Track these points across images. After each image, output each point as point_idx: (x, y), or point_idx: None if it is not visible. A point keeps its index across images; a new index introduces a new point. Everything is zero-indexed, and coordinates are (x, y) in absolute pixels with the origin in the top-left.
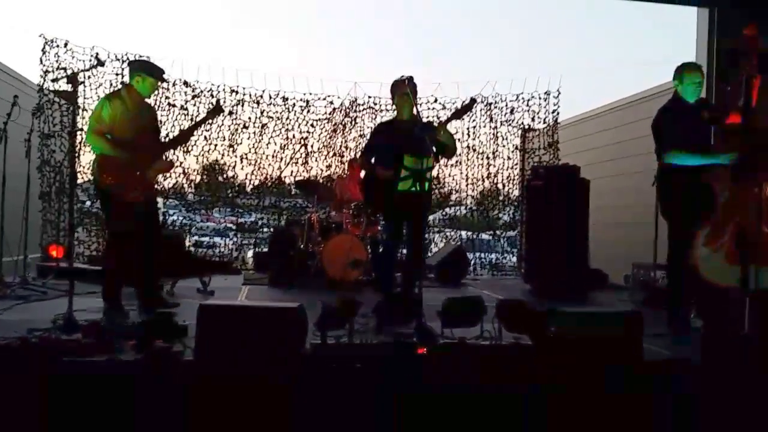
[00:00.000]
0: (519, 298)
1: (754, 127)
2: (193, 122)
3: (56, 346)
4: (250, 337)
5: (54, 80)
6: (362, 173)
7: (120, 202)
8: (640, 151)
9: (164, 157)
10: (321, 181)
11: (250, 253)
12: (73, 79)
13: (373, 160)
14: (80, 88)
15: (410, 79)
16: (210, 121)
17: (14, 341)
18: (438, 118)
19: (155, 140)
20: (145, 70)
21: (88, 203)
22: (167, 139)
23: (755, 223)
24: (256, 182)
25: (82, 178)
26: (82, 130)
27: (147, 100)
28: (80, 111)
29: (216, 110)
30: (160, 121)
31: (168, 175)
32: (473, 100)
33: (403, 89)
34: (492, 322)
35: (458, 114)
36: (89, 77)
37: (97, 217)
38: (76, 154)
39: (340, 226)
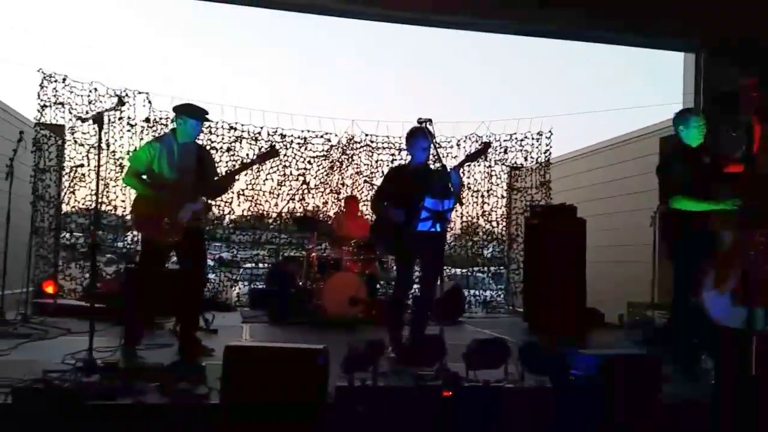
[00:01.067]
0: (534, 339)
1: (756, 175)
2: (243, 164)
3: (80, 389)
4: (277, 378)
5: (81, 119)
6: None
7: (150, 243)
8: (629, 190)
9: (201, 200)
10: (320, 217)
11: (235, 291)
12: (98, 118)
13: (385, 204)
14: (77, 123)
15: (429, 121)
16: (260, 166)
17: (33, 383)
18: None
19: (198, 183)
20: (186, 112)
21: (82, 239)
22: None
23: (761, 266)
24: (251, 218)
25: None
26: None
27: (196, 141)
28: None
29: (271, 153)
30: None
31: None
32: (488, 145)
33: (424, 144)
34: (515, 364)
35: (472, 157)
36: (87, 112)
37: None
38: (70, 189)
39: (338, 263)
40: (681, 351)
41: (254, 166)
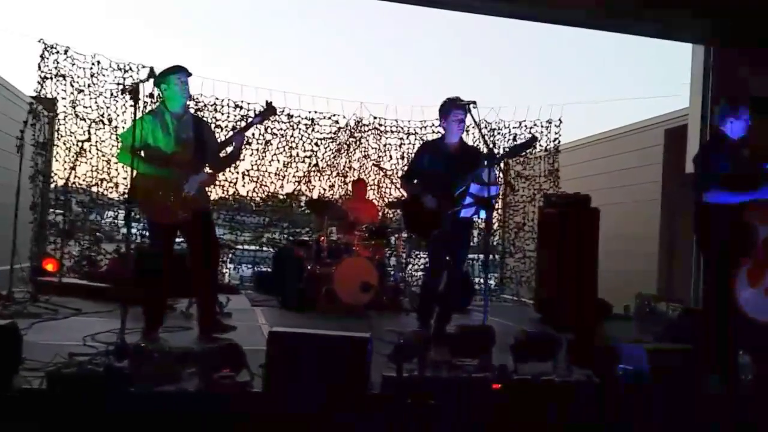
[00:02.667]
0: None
1: None
2: (243, 126)
3: (118, 374)
4: (323, 366)
5: (122, 91)
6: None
7: (155, 222)
8: (633, 181)
9: (204, 170)
10: (333, 200)
11: (227, 273)
12: (134, 90)
13: (415, 182)
14: (79, 96)
15: (473, 103)
16: (259, 125)
17: (63, 367)
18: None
19: (199, 154)
20: (164, 73)
21: (82, 214)
22: (216, 152)
23: None
24: (258, 199)
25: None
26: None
27: (190, 111)
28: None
29: (269, 111)
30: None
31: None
32: (534, 138)
33: (459, 115)
34: (562, 358)
35: (515, 151)
36: (89, 86)
37: (91, 229)
38: (72, 165)
39: (349, 248)
40: (717, 347)
41: (252, 127)
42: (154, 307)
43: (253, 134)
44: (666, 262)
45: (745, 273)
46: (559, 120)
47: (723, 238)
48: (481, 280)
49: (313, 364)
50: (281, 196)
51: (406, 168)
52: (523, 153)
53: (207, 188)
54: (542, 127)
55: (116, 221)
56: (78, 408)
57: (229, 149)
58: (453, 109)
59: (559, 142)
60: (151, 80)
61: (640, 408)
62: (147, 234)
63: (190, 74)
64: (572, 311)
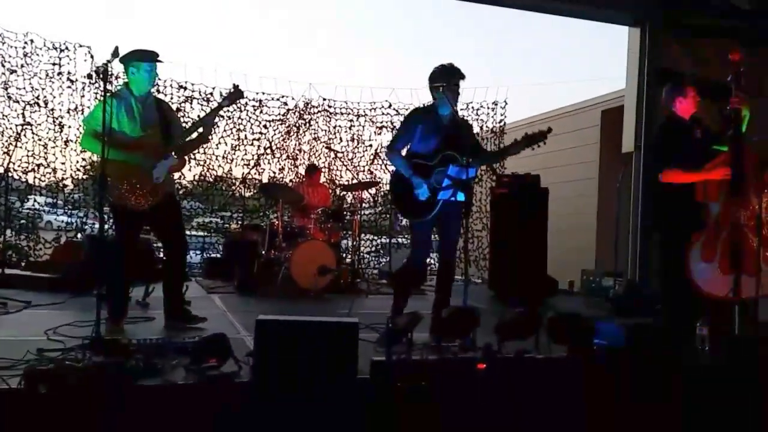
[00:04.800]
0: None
1: (743, 150)
2: (211, 110)
3: (100, 369)
4: (309, 353)
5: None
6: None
7: (122, 209)
8: (571, 161)
9: (172, 155)
10: (286, 184)
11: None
12: (103, 71)
13: (404, 152)
14: (11, 77)
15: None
16: (226, 108)
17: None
18: (393, 124)
19: (166, 138)
20: (135, 57)
21: (18, 204)
22: (182, 136)
23: (745, 235)
24: (206, 183)
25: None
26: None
27: (153, 93)
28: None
29: (236, 93)
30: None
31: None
32: (549, 129)
33: (454, 81)
34: (542, 335)
35: (527, 142)
36: (22, 66)
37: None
38: (6, 150)
39: (304, 232)
40: (675, 320)
41: (221, 110)
42: (119, 296)
43: (198, 115)
44: (604, 239)
45: (699, 248)
46: (505, 101)
47: (678, 216)
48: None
49: (301, 351)
50: (228, 180)
51: (393, 137)
52: (535, 146)
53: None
54: (488, 108)
55: (52, 209)
56: (68, 405)
57: (195, 134)
58: (451, 76)
59: (505, 123)
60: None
61: (617, 383)
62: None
63: (160, 61)
64: (522, 288)
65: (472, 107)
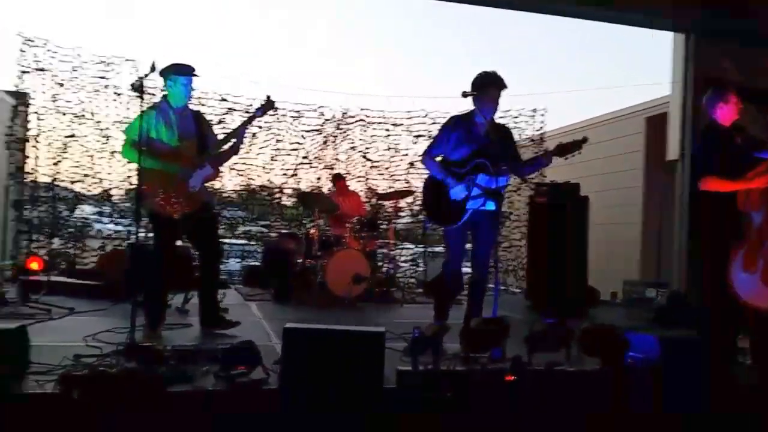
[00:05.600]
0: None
1: None
2: (243, 121)
3: (131, 375)
4: (336, 362)
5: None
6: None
7: (160, 217)
8: (616, 168)
9: (207, 165)
10: (323, 193)
11: None
12: (138, 86)
13: (439, 159)
14: (60, 90)
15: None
16: (260, 119)
17: (73, 369)
18: (429, 132)
19: (202, 149)
20: (173, 71)
21: (66, 212)
22: (216, 146)
23: None
24: (245, 193)
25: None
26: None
27: (190, 106)
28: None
29: (268, 104)
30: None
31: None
32: (585, 139)
33: (494, 92)
34: (573, 347)
35: (560, 151)
36: (70, 79)
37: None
38: (54, 161)
39: (338, 240)
40: (715, 332)
41: (254, 120)
42: (157, 304)
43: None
44: (648, 248)
45: (741, 258)
46: (544, 109)
47: (718, 225)
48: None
49: (328, 359)
50: (268, 190)
51: (429, 144)
52: (573, 154)
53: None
54: (527, 116)
55: (100, 218)
56: (95, 410)
57: (227, 145)
58: (489, 84)
59: (544, 131)
60: (152, 74)
61: (650, 396)
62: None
63: (197, 75)
64: (562, 299)
65: (511, 115)
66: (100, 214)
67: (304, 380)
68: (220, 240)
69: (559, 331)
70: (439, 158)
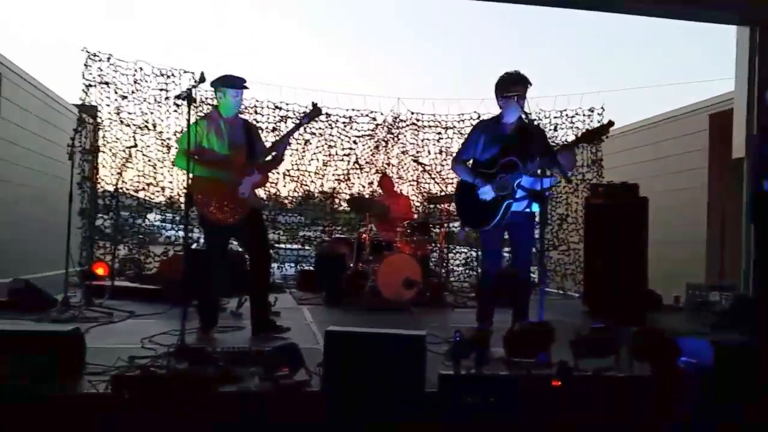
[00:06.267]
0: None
1: None
2: (290, 129)
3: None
4: (377, 365)
5: (177, 96)
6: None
7: (211, 223)
8: (678, 168)
9: (255, 172)
10: (374, 197)
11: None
12: (188, 96)
13: (470, 164)
14: (123, 102)
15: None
16: (306, 126)
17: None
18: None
19: (251, 156)
20: (223, 83)
21: (131, 219)
22: (264, 154)
23: None
24: (299, 198)
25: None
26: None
27: (240, 116)
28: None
29: (315, 111)
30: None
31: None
32: (611, 123)
33: (517, 90)
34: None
35: (591, 135)
36: (132, 92)
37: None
38: (118, 171)
39: (390, 245)
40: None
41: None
42: (209, 307)
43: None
44: (714, 250)
45: None
46: (602, 108)
47: None
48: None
49: (369, 362)
50: (321, 195)
51: (457, 149)
52: (599, 139)
53: (257, 189)
54: (584, 115)
55: (164, 224)
56: (144, 410)
57: (275, 152)
58: (511, 84)
59: None
60: (201, 84)
61: (702, 403)
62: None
63: (247, 88)
64: (620, 303)
65: (567, 114)
66: (163, 221)
67: (345, 382)
68: (271, 244)
69: (606, 335)
70: (469, 162)
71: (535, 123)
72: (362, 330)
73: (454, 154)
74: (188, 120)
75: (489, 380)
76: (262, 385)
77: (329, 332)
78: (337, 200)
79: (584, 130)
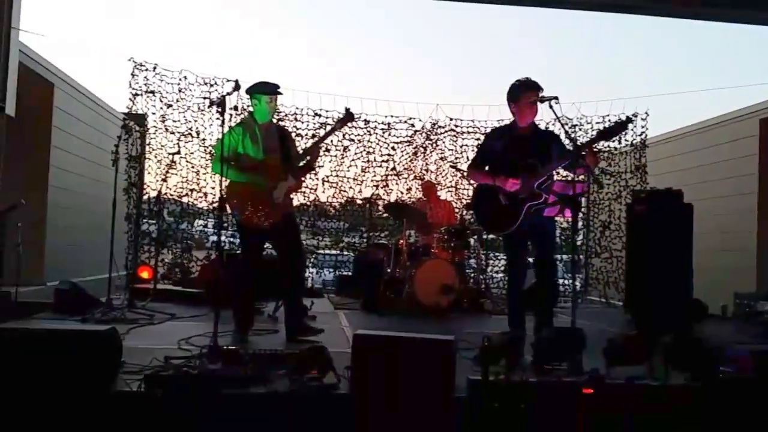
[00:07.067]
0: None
1: None
2: (323, 134)
3: (213, 376)
4: (408, 368)
5: (210, 103)
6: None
7: (247, 227)
8: (727, 174)
9: (290, 177)
10: (411, 203)
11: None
12: (221, 103)
13: (487, 168)
14: (168, 111)
15: (555, 99)
16: (340, 131)
17: (160, 370)
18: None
19: (285, 162)
20: (257, 90)
21: (174, 224)
22: (298, 159)
23: None
24: (337, 204)
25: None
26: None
27: (274, 121)
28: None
29: (347, 117)
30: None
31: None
32: (629, 119)
33: (531, 97)
34: (657, 360)
35: (609, 133)
36: (177, 100)
37: (182, 237)
38: (163, 177)
39: (427, 250)
40: None
41: (334, 132)
42: (245, 310)
43: (332, 141)
44: (765, 259)
45: None
46: (646, 113)
47: None
48: (566, 282)
49: (397, 366)
50: (360, 201)
51: (473, 156)
52: (617, 136)
53: (291, 194)
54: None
55: (206, 229)
56: (173, 409)
57: (308, 156)
58: (524, 91)
59: (646, 136)
60: (236, 93)
61: (743, 414)
62: (236, 240)
63: (280, 93)
64: (665, 312)
65: (609, 120)
66: (205, 226)
67: (373, 386)
68: (311, 249)
69: (639, 342)
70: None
71: (548, 129)
72: (391, 334)
73: (469, 162)
74: (221, 126)
75: (518, 387)
76: (292, 386)
77: (358, 335)
78: (377, 206)
79: (602, 128)
